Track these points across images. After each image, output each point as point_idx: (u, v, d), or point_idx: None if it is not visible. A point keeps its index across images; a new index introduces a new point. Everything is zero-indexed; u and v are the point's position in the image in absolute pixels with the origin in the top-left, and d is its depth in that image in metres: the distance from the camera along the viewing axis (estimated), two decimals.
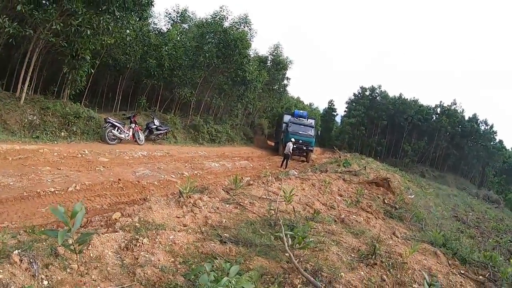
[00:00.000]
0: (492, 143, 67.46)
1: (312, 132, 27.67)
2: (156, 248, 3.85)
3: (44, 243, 3.58)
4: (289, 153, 20.34)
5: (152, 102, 24.28)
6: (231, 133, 28.82)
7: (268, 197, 7.10)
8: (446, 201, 22.85)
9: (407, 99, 66.00)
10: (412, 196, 14.28)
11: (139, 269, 3.39)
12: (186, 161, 14.75)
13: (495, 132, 67.67)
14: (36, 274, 3.04)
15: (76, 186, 8.04)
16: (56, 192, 7.50)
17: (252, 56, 28.67)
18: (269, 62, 34.03)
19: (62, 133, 13.34)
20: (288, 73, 36.46)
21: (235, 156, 21.07)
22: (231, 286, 2.45)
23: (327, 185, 10.71)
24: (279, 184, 9.12)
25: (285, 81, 37.58)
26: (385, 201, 11.53)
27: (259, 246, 4.40)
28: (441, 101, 69.64)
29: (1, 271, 2.88)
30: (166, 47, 21.92)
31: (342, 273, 4.10)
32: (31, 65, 13.52)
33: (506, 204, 51.09)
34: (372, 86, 67.98)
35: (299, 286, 3.47)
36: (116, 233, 4.18)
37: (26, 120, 12.56)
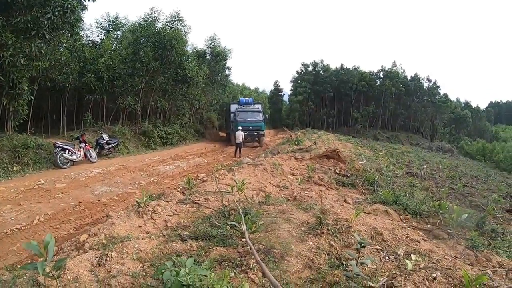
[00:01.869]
0: (437, 97, 70.44)
1: (260, 116, 28.20)
2: (125, 259, 4.27)
3: (24, 277, 3.92)
4: (241, 142, 20.81)
5: (98, 116, 24.04)
6: (182, 132, 28.97)
7: (221, 190, 7.57)
8: (400, 159, 23.82)
9: (349, 68, 67.67)
10: (363, 162, 14.91)
11: (113, 280, 3.81)
12: (141, 169, 15.00)
13: (439, 87, 70.78)
14: None
15: (40, 218, 8.23)
16: (22, 228, 7.68)
17: (190, 52, 28.85)
18: (207, 55, 34.30)
19: (15, 168, 13.20)
20: (229, 62, 36.84)
21: (189, 155, 21.36)
22: (188, 276, 2.95)
23: (278, 167, 11.29)
24: (232, 175, 9.58)
25: (227, 71, 37.90)
26: (337, 171, 12.01)
27: (216, 237, 4.90)
28: (382, 65, 71.66)
29: None
30: (103, 58, 21.79)
31: (292, 247, 4.69)
32: None
33: (459, 152, 53.99)
34: (314, 61, 69.10)
35: (252, 264, 4.00)
36: (87, 253, 4.56)
37: None
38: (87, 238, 5.38)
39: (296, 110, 66.61)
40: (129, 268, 4.07)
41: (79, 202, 9.55)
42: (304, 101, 65.07)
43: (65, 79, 20.32)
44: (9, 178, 12.25)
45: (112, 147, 18.77)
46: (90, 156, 16.21)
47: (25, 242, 6.89)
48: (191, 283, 2.92)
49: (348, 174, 11.65)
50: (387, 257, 4.60)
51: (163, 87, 26.53)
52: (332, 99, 66.28)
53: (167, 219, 5.83)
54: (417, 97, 68.45)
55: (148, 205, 6.32)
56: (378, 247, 4.97)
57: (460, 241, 5.90)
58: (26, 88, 14.69)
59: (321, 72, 67.97)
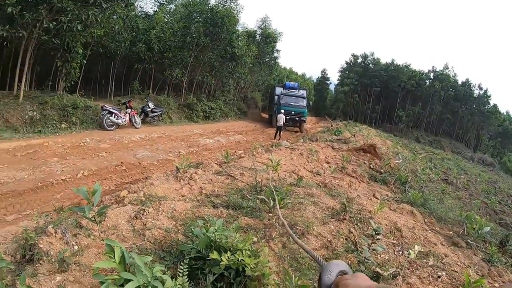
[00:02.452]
0: (486, 107, 67.04)
1: (304, 102, 28.12)
2: (160, 215, 4.67)
3: (69, 219, 4.37)
4: (282, 125, 20.99)
5: (144, 85, 24.79)
6: (225, 109, 29.35)
7: (256, 168, 7.89)
8: (438, 165, 23.32)
9: (399, 65, 65.29)
10: (399, 161, 14.79)
11: (147, 232, 4.22)
12: (182, 140, 15.49)
13: (489, 96, 67.00)
14: (68, 242, 3.87)
15: (84, 173, 8.85)
16: (67, 179, 8.30)
17: (240, 31, 28.97)
18: (257, 36, 34.31)
19: (63, 125, 13.96)
20: (278, 45, 36.74)
21: (229, 131, 21.72)
22: (216, 233, 3.29)
23: (315, 154, 11.47)
24: (269, 155, 9.86)
25: (275, 54, 37.77)
26: (371, 166, 12.01)
27: (246, 208, 5.25)
28: (433, 66, 68.79)
29: (41, 242, 3.70)
30: (154, 30, 22.29)
31: (314, 227, 4.97)
32: (25, 63, 14.02)
33: (501, 167, 51.75)
34: (365, 53, 67.42)
35: (275, 236, 4.30)
36: (126, 206, 5.00)
37: (26, 117, 13.15)
38: (127, 194, 5.82)
39: (340, 100, 65.76)
40: (163, 224, 4.47)
41: (121, 163, 10.13)
42: (350, 92, 64.10)
43: (116, 47, 21.05)
44: (57, 134, 13.03)
45: (157, 115, 19.39)
46: (135, 122, 16.86)
47: (69, 192, 7.51)
48: (217, 240, 3.26)
49: (382, 171, 11.62)
50: (401, 252, 4.81)
51: (211, 63, 26.84)
52: (378, 94, 64.82)
53: (202, 186, 6.23)
54: (466, 104, 65.11)
55: (186, 172, 6.74)
56: (394, 241, 5.17)
57: (478, 252, 5.90)
58: (81, 52, 15.39)
59: (370, 65, 66.45)
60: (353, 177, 10.10)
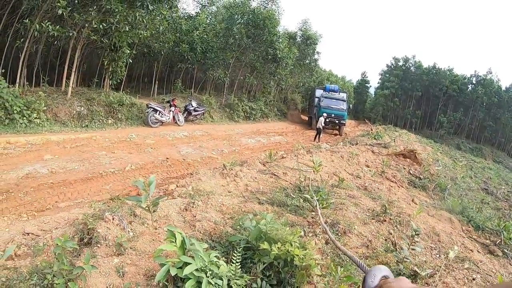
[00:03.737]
0: None
1: (344, 105, 27.99)
2: (209, 208, 4.94)
3: (124, 207, 4.69)
4: (321, 127, 21.02)
5: (186, 84, 25.38)
6: (265, 109, 29.57)
7: (299, 168, 8.09)
8: (479, 174, 22.72)
9: (441, 68, 63.34)
10: (439, 168, 14.60)
11: (197, 223, 4.48)
12: (224, 138, 15.85)
13: None
14: (125, 228, 4.18)
15: (131, 166, 9.27)
16: (115, 172, 8.72)
17: (281, 33, 29.13)
18: (298, 37, 34.35)
19: (109, 121, 14.55)
20: (319, 47, 36.69)
21: (270, 132, 22.00)
22: (267, 225, 3.52)
23: (355, 157, 11.54)
24: (310, 156, 10.02)
25: (316, 56, 37.58)
26: (410, 171, 11.94)
27: (290, 206, 5.46)
28: (475, 71, 66.37)
29: (100, 227, 4.01)
30: (197, 31, 22.86)
31: (355, 226, 5.12)
32: (74, 61, 14.61)
33: None
34: (406, 56, 66.22)
35: (318, 232, 4.48)
36: (175, 199, 5.30)
37: (74, 112, 13.71)
38: (175, 188, 6.13)
39: (380, 104, 64.71)
40: (212, 216, 4.72)
41: (167, 158, 10.52)
42: (390, 96, 63.03)
43: (160, 47, 21.53)
44: (104, 129, 13.56)
45: (199, 114, 19.84)
46: (178, 120, 17.31)
47: (118, 184, 7.90)
48: (268, 232, 3.48)
49: (421, 177, 11.55)
50: (438, 255, 4.89)
51: (253, 64, 27.11)
52: (419, 99, 63.40)
53: (247, 183, 6.48)
54: (509, 111, 62.32)
55: (231, 169, 7.01)
56: (432, 245, 5.26)
57: None
58: (128, 51, 15.99)
59: (411, 68, 65.12)
60: (392, 181, 10.11)
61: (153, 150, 11.36)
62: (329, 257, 4.19)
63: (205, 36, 23.21)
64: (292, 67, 30.84)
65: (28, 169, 7.82)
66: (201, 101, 22.20)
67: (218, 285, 2.82)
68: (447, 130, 59.50)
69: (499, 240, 6.68)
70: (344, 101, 28.58)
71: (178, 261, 2.86)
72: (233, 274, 3.01)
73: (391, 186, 9.34)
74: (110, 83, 16.74)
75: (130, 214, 4.51)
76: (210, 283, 2.79)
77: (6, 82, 11.53)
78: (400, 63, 66.27)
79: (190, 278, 2.77)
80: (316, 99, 29.12)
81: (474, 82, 62.57)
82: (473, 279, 4.12)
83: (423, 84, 61.65)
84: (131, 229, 4.23)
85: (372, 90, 75.80)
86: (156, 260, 3.10)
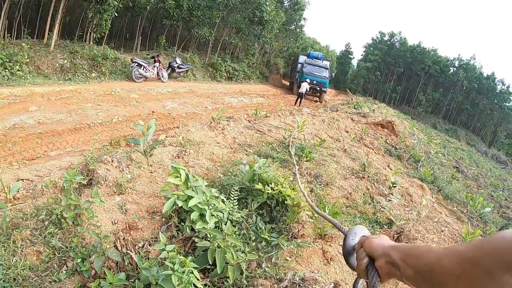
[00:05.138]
0: (507, 104, 65.39)
1: (326, 73, 28.11)
2: (200, 156, 5.22)
3: (120, 152, 4.92)
4: (303, 93, 21.24)
5: (170, 41, 25.07)
6: (248, 71, 29.46)
7: (283, 127, 8.40)
8: (452, 153, 23.43)
9: (426, 48, 63.50)
10: (415, 141, 15.06)
11: (191, 169, 4.75)
12: (207, 96, 15.99)
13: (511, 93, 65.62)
14: (123, 170, 4.42)
15: (118, 118, 9.41)
16: (103, 123, 8.87)
17: None
18: (286, 2, 34.10)
19: (93, 74, 14.44)
20: (305, 14, 36.52)
21: (252, 93, 22.13)
22: (261, 168, 3.82)
23: (335, 122, 11.91)
24: (293, 117, 10.34)
25: (302, 22, 37.49)
26: (387, 141, 12.40)
27: (276, 159, 5.77)
28: (459, 54, 66.78)
29: (100, 169, 4.25)
30: None
31: (337, 180, 5.50)
32: (58, 12, 14.31)
33: None
34: (392, 31, 65.91)
35: (303, 182, 4.83)
36: (167, 147, 5.54)
37: (57, 64, 13.53)
38: (165, 138, 6.37)
39: (362, 76, 64.84)
40: (204, 163, 5.01)
41: (152, 112, 10.68)
42: (373, 69, 63.18)
43: (146, 2, 20.99)
44: (87, 83, 13.51)
45: (183, 71, 19.79)
46: (162, 76, 17.29)
47: (106, 134, 8.06)
48: (262, 174, 3.80)
49: (397, 147, 11.98)
50: (410, 212, 5.33)
51: (238, 25, 26.88)
52: (401, 75, 63.68)
53: (235, 136, 6.77)
54: (487, 97, 63.13)
55: (219, 123, 7.26)
56: (405, 203, 5.70)
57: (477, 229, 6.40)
58: (116, 3, 15.62)
59: (396, 44, 65.08)
60: (370, 148, 10.53)
61: (139, 104, 11.47)
62: (314, 203, 4.55)
63: None
64: (277, 31, 30.70)
65: (15, 120, 7.85)
66: (184, 59, 22.07)
67: (220, 217, 3.13)
68: (425, 108, 60.26)
69: (466, 210, 7.21)
70: (327, 69, 28.70)
71: (182, 194, 3.14)
72: (231, 209, 3.32)
73: (369, 152, 9.75)
74: (94, 37, 16.45)
75: (127, 158, 4.74)
76: (213, 215, 3.09)
77: None
78: (386, 38, 66.09)
79: (194, 210, 3.06)
80: (299, 65, 29.13)
81: (456, 65, 62.98)
82: (442, 231, 4.55)
83: (406, 61, 61.88)
84: (129, 171, 4.48)
85: (355, 62, 75.83)
86: (163, 193, 3.39)
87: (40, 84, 11.65)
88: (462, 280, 0.65)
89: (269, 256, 3.26)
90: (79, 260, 2.93)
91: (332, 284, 3.08)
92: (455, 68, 62.65)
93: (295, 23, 36.01)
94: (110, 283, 2.51)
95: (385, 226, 4.52)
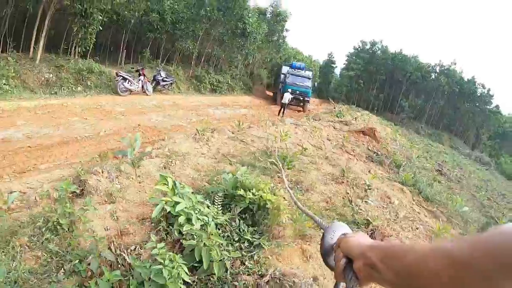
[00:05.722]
0: (488, 106, 65.78)
1: (309, 83, 28.55)
2: (186, 167, 5.48)
3: (109, 164, 5.15)
4: (286, 103, 21.53)
5: (154, 54, 25.29)
6: (232, 83, 29.72)
7: (266, 135, 8.70)
8: (434, 157, 23.70)
9: (407, 55, 63.60)
10: (396, 147, 15.34)
11: (177, 179, 4.97)
12: (191, 109, 16.23)
13: (492, 96, 65.74)
14: (113, 180, 4.67)
15: (105, 131, 9.60)
16: (90, 137, 9.04)
17: (251, 8, 29.30)
18: (268, 14, 34.57)
19: (78, 88, 14.58)
20: (287, 25, 37.04)
21: (236, 105, 22.45)
22: (242, 176, 4.12)
23: (317, 131, 12.22)
24: (275, 128, 10.65)
25: (284, 33, 37.92)
26: (369, 148, 12.63)
27: (258, 168, 6.08)
28: (440, 60, 67.36)
29: (91, 179, 4.49)
30: (168, 1, 22.66)
31: (317, 186, 5.81)
32: (43, 26, 14.48)
33: (497, 167, 51.63)
34: (373, 40, 66.27)
35: (284, 191, 5.11)
36: (154, 159, 5.79)
37: (43, 78, 13.66)
38: (152, 149, 6.61)
39: (345, 85, 65.26)
40: (189, 173, 5.28)
41: (138, 125, 10.90)
42: (355, 78, 63.63)
43: (130, 15, 21.16)
44: (73, 97, 13.65)
45: (167, 84, 20.02)
46: (147, 89, 17.48)
47: (93, 147, 8.24)
48: (244, 181, 4.09)
49: (379, 153, 12.22)
50: (388, 214, 5.64)
51: (221, 37, 27.19)
52: (383, 83, 64.09)
53: (219, 147, 7.06)
54: (469, 101, 63.76)
55: (203, 135, 7.55)
56: (384, 205, 6.02)
57: (457, 229, 6.73)
58: (100, 18, 15.88)
59: (378, 52, 65.57)
60: (351, 154, 10.83)
61: (124, 117, 11.67)
62: (295, 209, 4.85)
63: (176, 6, 23.07)
64: (260, 42, 31.10)
65: (3, 134, 7.98)
66: (168, 72, 22.30)
67: (205, 220, 3.40)
68: (408, 114, 60.42)
69: (446, 211, 7.53)
70: (309, 78, 29.16)
71: (170, 200, 3.41)
72: (215, 214, 3.60)
73: (350, 159, 10.05)
74: (79, 50, 16.61)
75: (116, 170, 4.98)
76: (199, 218, 3.36)
77: None
78: (367, 46, 66.60)
79: (181, 215, 3.33)
80: (282, 76, 29.54)
81: (437, 71, 63.42)
82: (417, 228, 4.88)
83: (388, 68, 62.39)
84: (118, 182, 4.73)
85: (337, 71, 76.34)
86: (151, 201, 3.65)
87: (26, 99, 11.76)
88: (450, 286, 0.57)
89: (251, 255, 3.55)
90: (76, 261, 3.17)
91: (311, 279, 3.36)
92: (436, 74, 63.17)
93: (277, 34, 36.48)
94: (107, 280, 2.76)
95: (362, 226, 4.83)
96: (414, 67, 61.61)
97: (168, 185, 3.50)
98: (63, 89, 13.95)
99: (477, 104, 64.12)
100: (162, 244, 2.96)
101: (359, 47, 67.67)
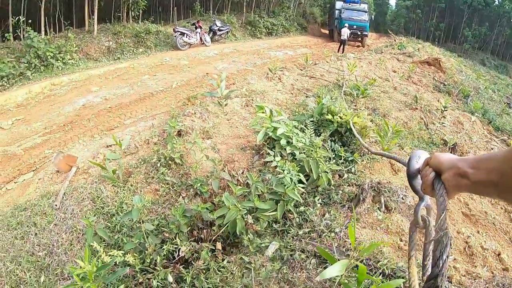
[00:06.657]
0: None
1: (365, 16, 27.61)
2: (267, 102, 5.85)
3: (197, 106, 5.61)
4: (346, 39, 21.04)
5: (204, 7, 25.36)
6: (286, 24, 29.27)
7: (333, 71, 8.88)
8: (502, 90, 22.70)
9: None
10: (463, 78, 14.87)
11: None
12: (253, 53, 16.44)
13: None
14: (206, 119, 5.13)
15: (177, 83, 10.07)
16: (164, 90, 9.53)
17: None
18: None
19: (140, 50, 15.09)
20: None
21: (294, 45, 22.28)
22: (328, 102, 4.45)
23: (382, 63, 12.14)
24: (340, 62, 10.74)
25: None
26: (435, 78, 12.49)
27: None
28: None
29: (185, 120, 4.96)
30: None
31: (392, 112, 6.01)
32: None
33: None
34: None
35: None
36: (234, 99, 6.20)
37: (104, 47, 14.23)
38: (234, 89, 7.01)
39: (402, 16, 62.36)
40: (271, 108, 5.65)
41: (206, 74, 11.27)
42: (413, 7, 60.39)
43: None
44: (136, 58, 14.13)
45: (223, 33, 20.16)
46: (205, 40, 17.76)
47: (170, 99, 8.69)
48: (330, 106, 4.42)
49: (445, 83, 12.02)
50: (463, 138, 5.79)
51: None
52: (442, 11, 59.98)
53: (292, 83, 7.39)
54: None
55: (275, 73, 7.85)
56: (457, 130, 6.15)
57: None
58: None
59: None
60: (418, 85, 10.75)
61: (191, 69, 12.10)
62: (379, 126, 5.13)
63: None
64: None
65: (82, 101, 8.58)
66: (222, 21, 22.38)
67: (303, 142, 3.78)
68: (472, 44, 56.23)
69: None
70: (365, 12, 28.16)
71: (270, 127, 3.80)
72: (310, 136, 3.97)
73: (418, 89, 10.03)
74: (133, 15, 17.06)
75: (205, 110, 5.43)
76: (298, 140, 3.75)
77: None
78: None
79: (281, 138, 3.72)
80: (337, 11, 28.66)
81: None
82: (492, 149, 5.04)
83: None
84: (210, 120, 5.18)
85: (392, 2, 72.95)
86: (253, 127, 4.06)
87: (92, 68, 12.35)
88: None
89: (348, 169, 3.93)
90: (199, 184, 3.67)
91: (403, 186, 3.69)
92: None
93: None
94: (235, 193, 3.21)
95: (440, 146, 5.05)
96: None
97: (266, 113, 3.87)
98: (125, 53, 14.49)
99: None
100: (279, 158, 3.37)
101: None
